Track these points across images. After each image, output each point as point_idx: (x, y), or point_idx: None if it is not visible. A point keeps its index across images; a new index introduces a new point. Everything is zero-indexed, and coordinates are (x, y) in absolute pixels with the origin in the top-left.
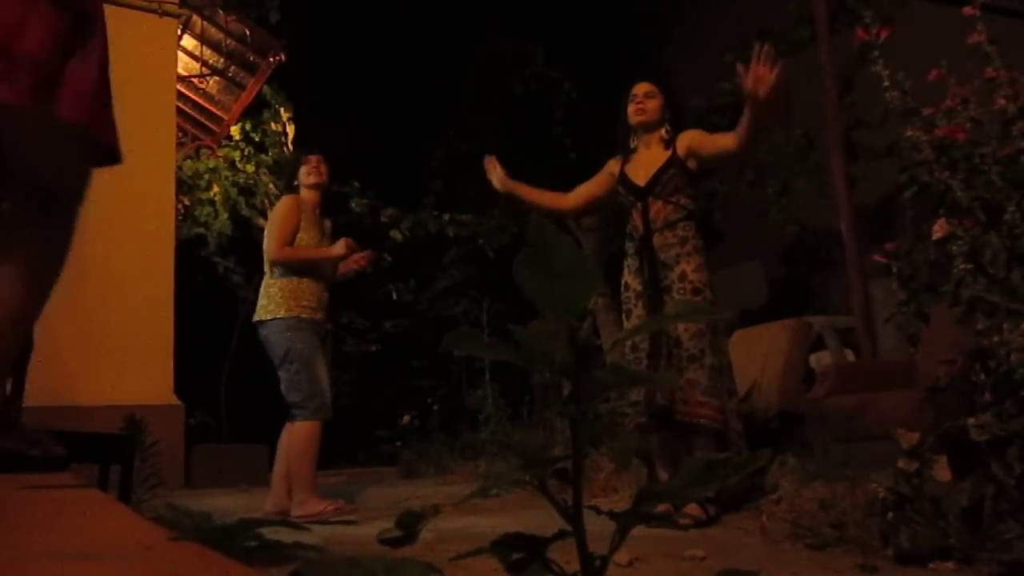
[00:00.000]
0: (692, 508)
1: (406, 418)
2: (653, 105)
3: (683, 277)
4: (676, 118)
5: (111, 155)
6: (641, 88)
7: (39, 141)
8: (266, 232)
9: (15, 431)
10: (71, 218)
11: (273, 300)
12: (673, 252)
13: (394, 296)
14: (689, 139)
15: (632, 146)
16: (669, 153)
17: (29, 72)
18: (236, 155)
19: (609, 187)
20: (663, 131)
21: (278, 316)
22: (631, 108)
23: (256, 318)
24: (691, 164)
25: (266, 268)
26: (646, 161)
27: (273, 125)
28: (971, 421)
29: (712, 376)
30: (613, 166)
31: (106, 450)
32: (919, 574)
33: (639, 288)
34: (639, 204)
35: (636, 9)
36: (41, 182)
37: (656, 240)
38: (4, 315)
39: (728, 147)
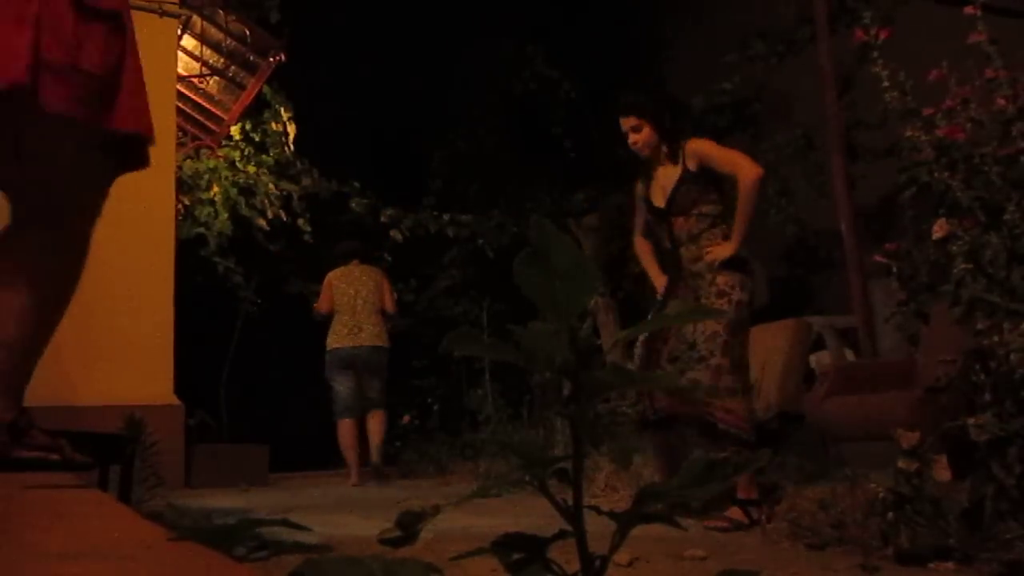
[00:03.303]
0: (733, 511)
1: (406, 418)
2: (643, 136)
3: (711, 283)
4: (673, 129)
5: (143, 158)
6: (626, 123)
7: (73, 151)
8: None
9: (29, 438)
10: (82, 239)
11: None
12: (702, 264)
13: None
14: (700, 154)
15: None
16: (680, 169)
17: (92, 88)
18: (236, 155)
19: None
20: (664, 148)
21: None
22: (629, 145)
23: (381, 344)
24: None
25: (374, 307)
26: (662, 179)
27: (273, 125)
28: (971, 421)
29: (715, 376)
30: (640, 189)
31: (106, 450)
32: (919, 574)
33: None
34: (663, 223)
35: (636, 9)
36: (56, 192)
37: (684, 253)
38: (14, 345)
39: (735, 178)
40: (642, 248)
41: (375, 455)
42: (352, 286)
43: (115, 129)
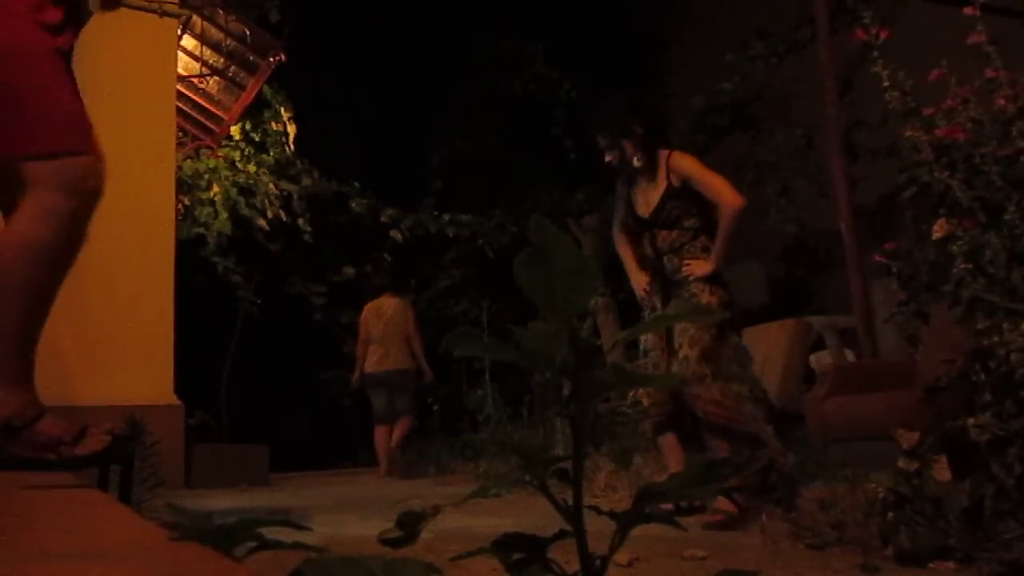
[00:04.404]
0: (722, 503)
1: None
2: (618, 154)
3: (686, 288)
4: (650, 141)
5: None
6: (601, 143)
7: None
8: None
9: (31, 434)
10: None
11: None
12: (681, 276)
13: None
14: (683, 172)
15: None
16: (663, 184)
17: None
18: (236, 155)
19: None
20: (643, 159)
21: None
22: (606, 161)
23: (406, 366)
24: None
25: (401, 335)
26: (646, 190)
27: (273, 125)
28: (971, 421)
29: (683, 367)
30: (621, 188)
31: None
32: (919, 574)
33: (655, 305)
34: (646, 231)
35: (636, 9)
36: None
37: (666, 263)
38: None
39: (715, 203)
40: (621, 242)
41: (385, 462)
42: (382, 319)
43: None
